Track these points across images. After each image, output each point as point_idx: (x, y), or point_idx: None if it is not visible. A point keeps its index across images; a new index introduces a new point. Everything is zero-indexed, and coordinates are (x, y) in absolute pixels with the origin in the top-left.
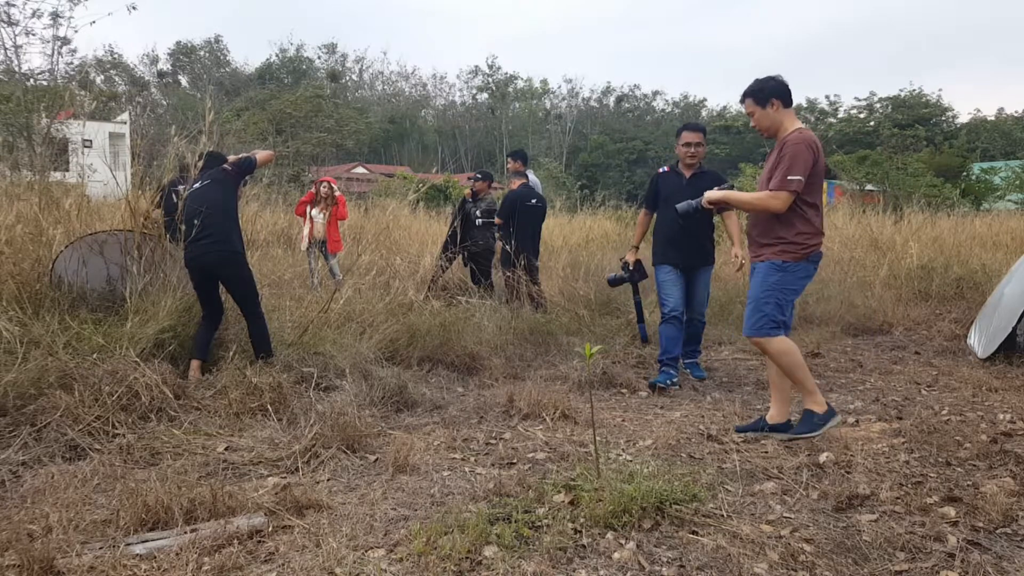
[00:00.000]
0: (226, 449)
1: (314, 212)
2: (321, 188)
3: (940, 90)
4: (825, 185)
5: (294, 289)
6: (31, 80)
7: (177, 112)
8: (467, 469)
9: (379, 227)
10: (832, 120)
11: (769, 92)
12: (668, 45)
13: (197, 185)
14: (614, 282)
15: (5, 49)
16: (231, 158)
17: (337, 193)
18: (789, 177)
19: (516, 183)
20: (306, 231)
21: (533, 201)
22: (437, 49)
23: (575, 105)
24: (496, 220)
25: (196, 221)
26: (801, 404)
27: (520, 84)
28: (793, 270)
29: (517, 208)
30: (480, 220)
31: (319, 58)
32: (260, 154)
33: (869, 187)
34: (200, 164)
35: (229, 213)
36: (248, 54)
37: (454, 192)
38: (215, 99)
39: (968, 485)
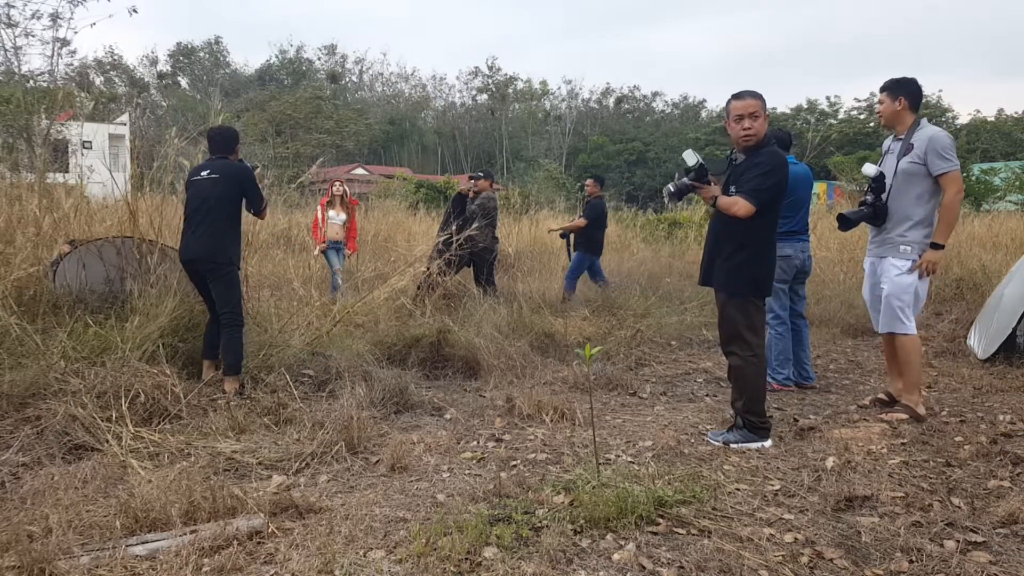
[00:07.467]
0: (226, 450)
1: (331, 213)
2: (334, 188)
3: (940, 91)
4: (825, 186)
5: (294, 290)
6: (31, 81)
7: (177, 113)
8: (467, 470)
9: (379, 229)
10: (832, 121)
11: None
12: (668, 45)
13: None
14: None
15: (5, 51)
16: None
17: (350, 196)
18: None
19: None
20: (324, 232)
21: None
22: (437, 50)
23: (575, 106)
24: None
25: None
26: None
27: (520, 85)
28: None
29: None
30: (476, 205)
31: (319, 59)
32: None
33: None
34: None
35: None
36: (248, 55)
37: (452, 193)
38: (215, 100)
39: (968, 485)
